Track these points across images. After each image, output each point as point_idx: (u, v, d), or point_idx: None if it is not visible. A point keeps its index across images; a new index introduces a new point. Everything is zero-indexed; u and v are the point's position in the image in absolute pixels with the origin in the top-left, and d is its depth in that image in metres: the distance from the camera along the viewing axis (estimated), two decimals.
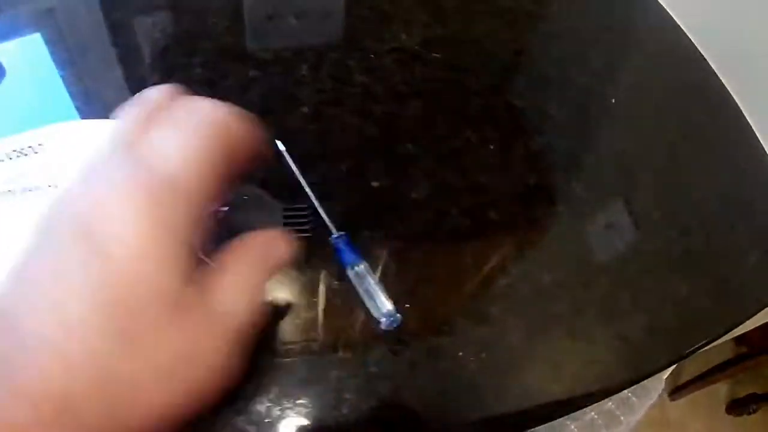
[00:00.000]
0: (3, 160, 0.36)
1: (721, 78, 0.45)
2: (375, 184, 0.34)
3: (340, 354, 0.28)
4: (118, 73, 0.40)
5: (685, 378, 1.06)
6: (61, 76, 0.40)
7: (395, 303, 0.28)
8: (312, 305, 0.29)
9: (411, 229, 0.33)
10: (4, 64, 0.42)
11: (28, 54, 0.43)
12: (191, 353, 0.19)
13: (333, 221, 0.31)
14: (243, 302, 0.22)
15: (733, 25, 0.59)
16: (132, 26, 0.44)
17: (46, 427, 0.16)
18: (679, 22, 0.49)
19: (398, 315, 0.28)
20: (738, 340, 1.06)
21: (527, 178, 0.36)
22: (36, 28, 0.43)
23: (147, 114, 0.21)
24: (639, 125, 0.42)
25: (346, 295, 0.29)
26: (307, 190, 0.31)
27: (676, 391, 1.08)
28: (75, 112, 0.38)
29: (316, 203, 0.31)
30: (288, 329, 0.28)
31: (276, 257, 0.24)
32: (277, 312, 0.29)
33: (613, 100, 0.43)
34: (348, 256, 0.29)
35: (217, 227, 0.28)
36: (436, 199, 0.34)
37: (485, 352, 0.29)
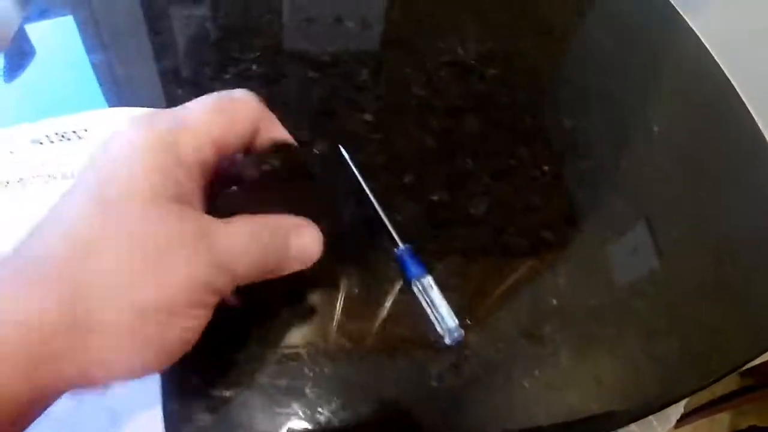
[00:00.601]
0: (42, 143, 0.35)
1: (751, 112, 0.46)
2: (434, 197, 0.34)
3: (401, 366, 0.28)
4: (150, 63, 0.40)
5: (690, 406, 1.06)
6: (91, 62, 0.39)
7: (456, 317, 0.28)
8: (373, 317, 0.29)
9: (469, 244, 0.33)
10: (35, 45, 0.41)
11: (59, 36, 0.42)
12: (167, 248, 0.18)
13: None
14: (240, 264, 0.20)
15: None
16: (169, 16, 0.44)
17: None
18: (711, 51, 0.51)
19: (462, 331, 0.28)
20: (743, 373, 1.06)
21: (577, 199, 0.37)
22: (69, 9, 0.43)
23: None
24: (677, 153, 0.42)
25: (408, 307, 0.29)
26: (372, 199, 0.31)
27: (681, 418, 1.08)
28: (102, 99, 0.37)
29: (382, 213, 0.31)
30: (348, 340, 0.28)
31: (299, 249, 0.21)
32: (336, 323, 0.28)
33: (656, 128, 0.43)
34: (413, 268, 0.29)
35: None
36: (493, 215, 0.34)
37: (538, 370, 0.29)
